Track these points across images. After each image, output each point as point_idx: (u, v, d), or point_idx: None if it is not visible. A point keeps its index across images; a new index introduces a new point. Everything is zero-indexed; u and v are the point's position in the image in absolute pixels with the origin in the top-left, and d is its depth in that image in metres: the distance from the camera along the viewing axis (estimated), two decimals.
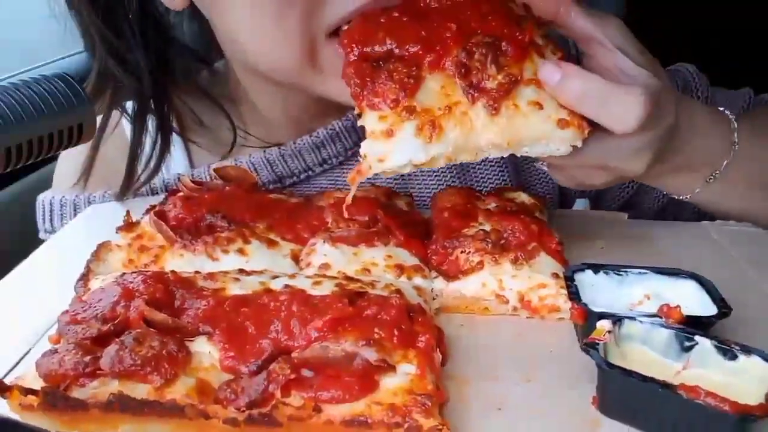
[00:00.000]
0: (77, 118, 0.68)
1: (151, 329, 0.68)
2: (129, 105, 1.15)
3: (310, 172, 1.16)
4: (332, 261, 0.86)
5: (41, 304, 0.82)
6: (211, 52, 1.19)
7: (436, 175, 1.17)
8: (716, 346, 0.68)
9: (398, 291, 0.76)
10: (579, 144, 0.80)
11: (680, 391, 0.62)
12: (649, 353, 0.70)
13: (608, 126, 0.79)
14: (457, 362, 0.75)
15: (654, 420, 0.64)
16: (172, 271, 0.79)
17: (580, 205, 1.34)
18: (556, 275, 0.83)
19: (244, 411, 0.61)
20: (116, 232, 0.91)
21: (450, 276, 0.85)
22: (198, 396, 0.64)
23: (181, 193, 0.97)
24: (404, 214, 0.96)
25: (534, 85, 0.79)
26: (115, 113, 1.15)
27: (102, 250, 0.88)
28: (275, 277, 0.79)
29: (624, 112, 0.78)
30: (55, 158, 1.29)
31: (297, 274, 0.82)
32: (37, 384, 0.64)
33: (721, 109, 0.96)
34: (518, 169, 1.20)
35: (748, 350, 0.67)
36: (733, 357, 0.67)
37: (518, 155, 0.82)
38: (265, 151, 1.15)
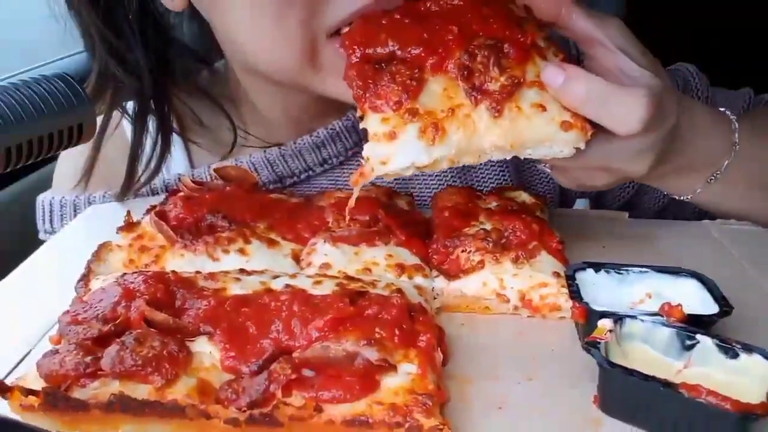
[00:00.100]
0: (77, 118, 0.68)
1: (152, 329, 0.68)
2: (129, 105, 1.15)
3: (310, 172, 1.16)
4: (333, 261, 0.86)
5: (42, 304, 0.83)
6: (211, 52, 1.19)
7: (436, 175, 1.18)
8: (717, 345, 0.68)
9: (399, 290, 0.76)
10: (582, 146, 0.80)
11: (681, 389, 0.62)
12: (650, 352, 0.70)
13: (611, 128, 0.79)
14: (458, 361, 0.75)
15: (655, 419, 0.64)
16: (173, 271, 0.79)
17: (581, 204, 1.35)
18: (557, 274, 0.83)
19: (245, 411, 0.61)
20: (117, 233, 0.91)
21: (451, 275, 0.85)
22: (199, 396, 0.64)
23: (181, 193, 0.97)
24: (405, 214, 0.96)
25: (537, 87, 0.79)
26: (116, 114, 1.15)
27: (102, 250, 0.88)
28: (276, 276, 0.79)
29: (627, 113, 0.78)
30: (55, 158, 1.29)
31: (298, 274, 0.82)
32: (38, 384, 0.63)
33: (722, 109, 0.96)
34: (519, 168, 1.20)
35: (749, 349, 0.67)
36: (735, 355, 0.67)
37: (521, 157, 0.81)
38: (265, 151, 1.15)
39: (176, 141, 1.19)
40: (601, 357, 0.66)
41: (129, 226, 0.91)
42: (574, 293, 0.78)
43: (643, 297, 0.79)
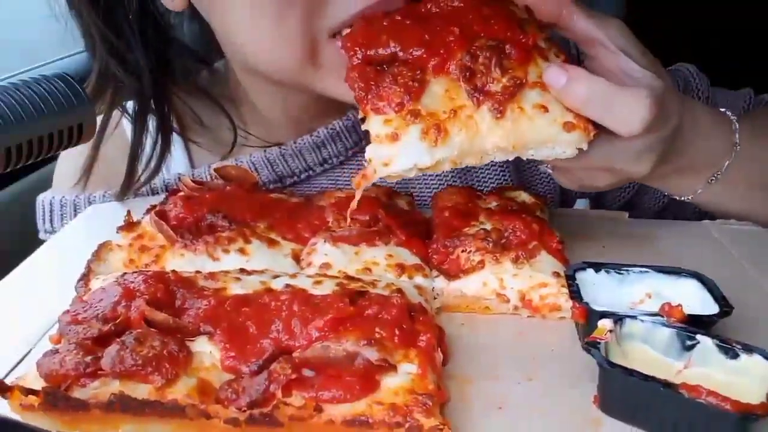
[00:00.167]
0: (77, 118, 0.68)
1: (152, 329, 0.68)
2: (129, 105, 1.15)
3: (310, 172, 1.16)
4: (333, 260, 0.86)
5: (42, 304, 0.82)
6: (211, 52, 1.19)
7: (436, 175, 1.17)
8: (718, 345, 0.68)
9: (399, 290, 0.76)
10: (585, 147, 0.80)
11: (682, 390, 0.62)
12: (650, 352, 0.70)
13: (614, 128, 0.79)
14: (458, 361, 0.75)
15: (655, 419, 0.64)
16: (173, 271, 0.79)
17: (581, 204, 1.35)
18: (557, 274, 0.83)
19: (245, 411, 0.61)
20: (117, 232, 0.90)
21: (451, 275, 0.85)
22: (199, 396, 0.64)
23: (181, 193, 0.96)
24: (405, 214, 0.96)
25: (539, 88, 0.79)
26: (116, 113, 1.15)
27: (103, 250, 0.88)
28: (276, 276, 0.79)
29: (629, 114, 0.78)
30: (55, 158, 1.29)
31: (298, 274, 0.82)
32: (38, 384, 0.63)
33: (723, 109, 0.96)
34: (519, 168, 1.20)
35: (749, 349, 0.67)
36: (735, 356, 0.67)
37: (524, 158, 0.81)
38: (265, 151, 1.15)
39: (176, 141, 1.19)
40: (601, 357, 0.66)
41: (129, 225, 0.91)
42: (574, 293, 0.78)
43: (643, 297, 0.79)
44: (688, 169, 0.92)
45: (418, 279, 0.85)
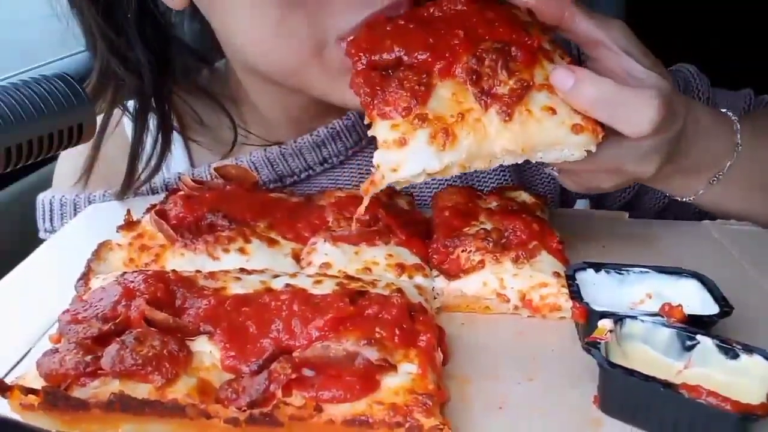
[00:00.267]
0: (77, 118, 0.68)
1: (152, 329, 0.68)
2: (130, 104, 1.15)
3: (310, 171, 1.16)
4: (333, 260, 0.86)
5: (42, 303, 0.82)
6: (212, 51, 1.19)
7: None
8: (718, 345, 0.68)
9: (399, 290, 0.76)
10: (593, 149, 0.79)
11: (682, 390, 0.62)
12: (650, 352, 0.70)
13: (622, 130, 0.79)
14: (458, 361, 0.75)
15: (655, 419, 0.64)
16: (173, 271, 0.79)
17: (581, 204, 1.35)
18: (557, 274, 0.83)
19: (245, 411, 0.61)
20: (117, 231, 0.90)
21: (451, 275, 0.85)
22: (199, 396, 0.64)
23: (181, 192, 0.96)
24: (405, 213, 0.96)
25: (546, 90, 0.78)
26: (116, 112, 1.15)
27: (102, 249, 0.88)
28: (276, 276, 0.79)
29: (638, 115, 0.77)
30: (55, 158, 1.29)
31: (298, 273, 0.81)
32: (38, 383, 0.63)
33: (724, 110, 0.96)
34: (519, 168, 1.19)
35: (749, 349, 0.67)
36: (735, 356, 0.67)
37: (533, 161, 0.81)
38: (265, 150, 1.15)
39: (177, 140, 1.19)
40: (601, 357, 0.66)
41: (129, 224, 0.91)
42: (575, 293, 0.78)
43: (643, 297, 0.79)
44: (690, 169, 0.92)
45: (418, 279, 0.85)
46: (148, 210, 0.94)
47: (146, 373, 0.64)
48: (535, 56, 0.80)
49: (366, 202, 0.81)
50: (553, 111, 0.78)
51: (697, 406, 0.61)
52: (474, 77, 0.78)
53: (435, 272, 0.87)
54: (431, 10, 0.83)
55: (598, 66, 0.83)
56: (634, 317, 0.72)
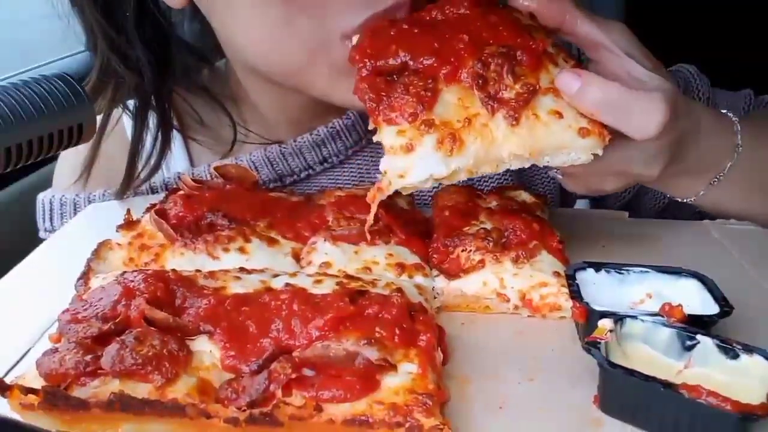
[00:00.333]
0: (77, 118, 0.68)
1: (152, 328, 0.68)
2: (130, 102, 1.15)
3: (310, 171, 1.16)
4: (333, 259, 0.86)
5: (41, 302, 0.82)
6: (212, 51, 1.19)
7: None
8: (718, 345, 0.68)
9: (399, 289, 0.76)
10: (600, 152, 0.79)
11: (682, 390, 0.62)
12: (650, 352, 0.70)
13: (628, 133, 0.78)
14: (459, 361, 0.75)
15: (655, 419, 0.64)
16: (173, 270, 0.79)
17: (581, 204, 1.34)
18: (557, 274, 0.83)
19: (245, 410, 0.61)
20: (117, 231, 0.90)
21: (451, 274, 0.85)
22: (199, 395, 0.64)
23: (181, 192, 0.96)
24: (405, 213, 0.96)
25: (552, 94, 0.78)
26: (116, 112, 1.15)
27: (102, 248, 0.88)
28: (276, 275, 0.79)
29: (645, 118, 0.77)
30: (55, 158, 1.29)
31: (298, 273, 0.81)
32: (38, 383, 0.63)
33: (724, 111, 0.96)
34: (519, 168, 1.19)
35: (749, 349, 0.67)
36: (735, 356, 0.67)
37: (540, 165, 0.81)
38: (265, 150, 1.15)
39: (176, 139, 1.19)
40: (601, 357, 0.66)
41: (129, 224, 0.91)
42: (575, 293, 0.77)
43: (643, 297, 0.79)
44: (691, 170, 0.92)
45: (418, 278, 0.85)
46: (148, 209, 0.94)
47: (146, 373, 0.64)
48: (540, 60, 0.79)
49: (374, 209, 0.80)
50: (560, 115, 0.78)
51: (697, 406, 0.61)
52: (480, 82, 0.77)
53: (435, 272, 0.87)
54: (434, 14, 0.83)
55: (600, 68, 0.83)
56: (634, 317, 0.72)
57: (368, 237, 0.87)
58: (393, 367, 0.66)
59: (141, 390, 0.63)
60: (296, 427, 0.61)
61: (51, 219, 1.20)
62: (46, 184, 1.28)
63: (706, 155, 0.92)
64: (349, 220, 0.92)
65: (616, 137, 0.79)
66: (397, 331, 0.69)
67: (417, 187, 0.78)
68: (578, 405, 0.69)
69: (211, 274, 0.78)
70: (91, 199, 1.17)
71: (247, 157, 1.14)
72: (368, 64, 0.80)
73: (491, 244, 0.85)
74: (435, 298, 0.84)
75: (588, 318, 0.74)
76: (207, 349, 0.69)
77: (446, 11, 0.83)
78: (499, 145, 0.77)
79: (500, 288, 0.84)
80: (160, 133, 1.14)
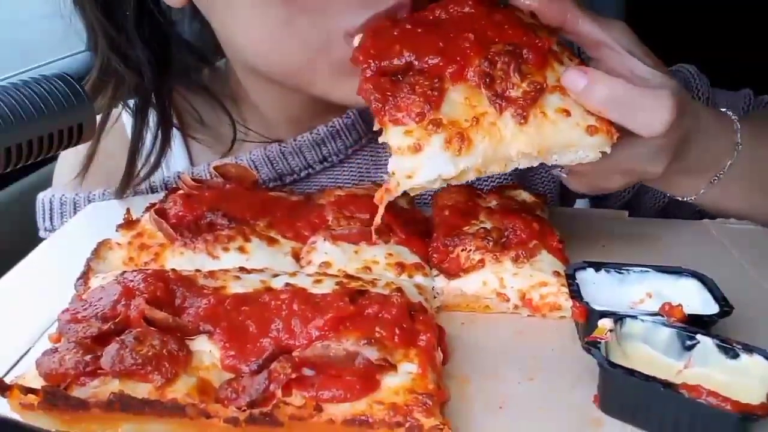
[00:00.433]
0: (77, 118, 0.68)
1: (152, 328, 0.68)
2: (131, 101, 1.15)
3: (310, 170, 1.16)
4: (333, 259, 0.85)
5: (41, 302, 0.82)
6: (213, 50, 1.19)
7: None
8: (718, 345, 0.68)
9: (399, 289, 0.76)
10: (608, 150, 0.79)
11: (682, 390, 0.62)
12: (650, 352, 0.70)
13: (636, 130, 0.78)
14: (458, 361, 0.75)
15: (655, 419, 0.64)
16: (173, 270, 0.79)
17: (581, 204, 1.34)
18: (557, 273, 0.83)
19: (245, 410, 0.61)
20: (116, 230, 0.90)
21: (451, 274, 0.85)
22: (199, 395, 0.64)
23: (181, 191, 0.96)
24: (405, 212, 0.96)
25: (559, 92, 0.78)
26: (116, 110, 1.15)
27: (102, 248, 0.88)
28: (276, 275, 0.79)
29: (653, 116, 0.77)
30: (55, 158, 1.29)
31: (298, 273, 0.81)
32: (38, 383, 0.63)
33: (723, 110, 0.96)
34: None
35: (750, 349, 0.67)
36: (735, 356, 0.67)
37: (549, 164, 0.80)
38: (265, 149, 1.15)
39: (176, 139, 1.19)
40: (601, 357, 0.66)
41: (128, 223, 0.91)
42: (575, 293, 0.77)
43: (643, 297, 0.79)
44: (691, 169, 0.92)
45: (418, 278, 0.85)
46: (148, 209, 0.94)
47: (146, 373, 0.64)
48: (546, 58, 0.79)
49: (381, 210, 0.79)
50: (568, 113, 0.77)
51: (697, 405, 0.61)
52: (488, 80, 0.77)
53: (435, 271, 0.87)
54: (437, 13, 0.83)
55: (602, 66, 0.83)
56: (634, 317, 0.72)
57: (375, 237, 0.86)
58: (393, 367, 0.66)
59: (141, 390, 0.63)
60: (296, 427, 0.61)
61: (51, 218, 1.20)
62: (46, 184, 1.28)
63: (707, 154, 0.92)
64: (349, 219, 0.92)
65: (622, 135, 0.79)
66: (397, 331, 0.68)
67: (425, 188, 0.77)
68: (578, 405, 0.69)
69: (211, 274, 0.78)
70: (91, 199, 1.17)
71: (246, 156, 1.14)
72: (372, 64, 0.79)
73: (491, 243, 0.85)
74: (435, 297, 0.84)
75: (588, 318, 0.74)
76: (207, 349, 0.68)
77: (450, 10, 0.82)
78: (508, 143, 0.76)
79: (500, 287, 0.84)
80: (160, 132, 1.14)
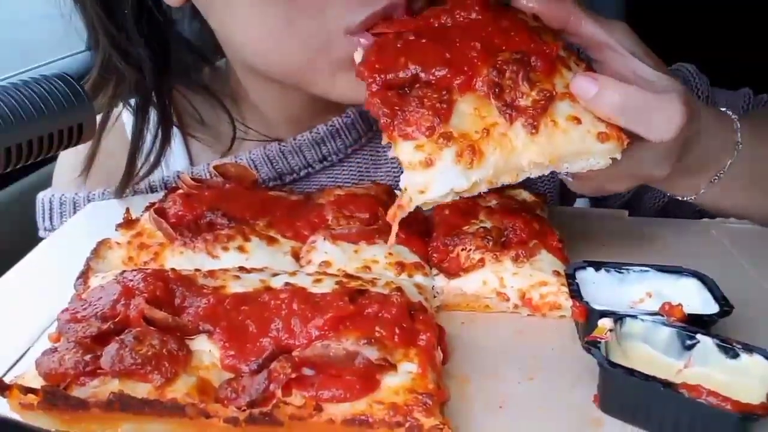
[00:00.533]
0: (77, 118, 0.68)
1: (152, 328, 0.68)
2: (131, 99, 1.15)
3: (310, 169, 1.16)
4: (333, 258, 0.85)
5: (41, 302, 0.82)
6: (213, 49, 1.19)
7: None
8: (718, 345, 0.68)
9: (399, 288, 0.76)
10: (619, 156, 0.77)
11: (682, 390, 0.62)
12: (650, 351, 0.70)
13: (647, 135, 0.77)
14: (458, 360, 0.75)
15: (655, 419, 0.64)
16: (172, 269, 0.79)
17: (581, 203, 1.34)
18: (557, 273, 0.83)
19: (244, 410, 0.61)
20: (116, 230, 0.90)
21: (451, 273, 0.85)
22: (198, 395, 0.64)
23: (180, 191, 0.96)
24: None
25: (569, 99, 0.76)
26: (116, 109, 1.15)
27: (102, 247, 0.88)
28: (276, 274, 0.79)
29: (666, 120, 0.76)
30: (55, 158, 1.29)
31: (297, 272, 0.81)
32: (37, 383, 0.63)
33: (723, 109, 0.96)
34: None
35: (749, 349, 0.67)
36: (735, 355, 0.67)
37: (560, 171, 0.79)
38: (265, 148, 1.15)
39: (176, 138, 1.19)
40: (601, 356, 0.66)
41: (128, 223, 0.91)
42: (575, 292, 0.77)
43: (643, 296, 0.79)
44: (692, 169, 0.92)
45: (418, 277, 0.84)
46: (147, 208, 0.94)
47: (146, 373, 0.64)
48: (554, 65, 0.78)
49: (395, 228, 0.77)
50: (578, 120, 0.76)
51: (697, 405, 0.61)
52: (496, 90, 0.75)
53: (435, 271, 0.87)
54: (443, 19, 0.81)
55: (605, 68, 0.83)
56: (634, 316, 0.72)
57: (390, 250, 0.85)
58: (393, 367, 0.66)
59: (140, 390, 0.63)
60: (296, 427, 0.61)
61: (51, 218, 1.20)
62: (46, 184, 1.28)
63: (707, 153, 0.92)
64: (349, 218, 0.92)
65: (632, 140, 0.79)
66: (397, 331, 0.68)
67: (438, 202, 0.75)
68: (578, 404, 0.69)
69: (211, 274, 0.78)
70: (91, 198, 1.17)
71: (246, 156, 1.14)
72: (378, 78, 0.78)
73: (491, 243, 0.85)
74: (435, 297, 0.84)
75: (588, 317, 0.74)
76: (206, 349, 0.68)
77: (456, 15, 0.81)
78: (519, 154, 0.75)
79: (500, 287, 0.84)
80: (160, 130, 1.14)
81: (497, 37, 0.79)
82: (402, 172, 0.75)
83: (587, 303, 0.75)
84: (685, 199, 0.97)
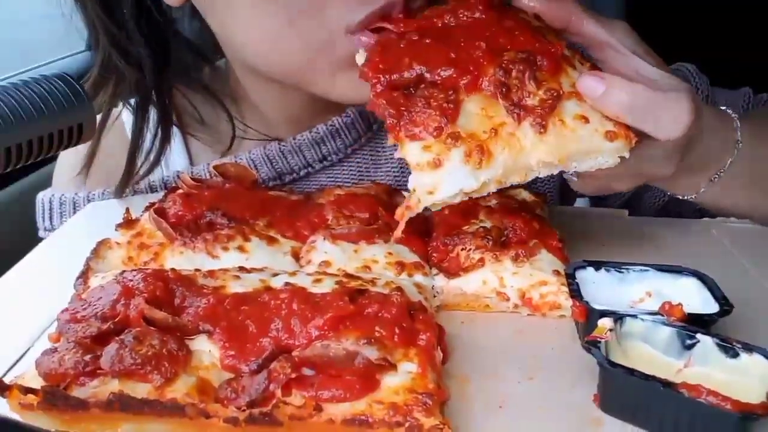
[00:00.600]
0: (77, 118, 0.68)
1: (151, 328, 0.68)
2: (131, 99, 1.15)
3: (309, 169, 1.16)
4: (333, 258, 0.85)
5: (41, 302, 0.82)
6: (213, 49, 1.19)
7: None
8: (718, 344, 0.68)
9: (399, 288, 0.76)
10: (627, 155, 0.77)
11: (682, 389, 0.62)
12: (650, 351, 0.70)
13: (654, 134, 0.77)
14: (458, 360, 0.75)
15: (655, 418, 0.64)
16: (172, 269, 0.79)
17: (581, 203, 1.34)
18: (557, 272, 0.83)
19: (244, 410, 0.61)
20: (116, 230, 0.90)
21: (451, 273, 0.85)
22: (198, 395, 0.63)
23: (180, 191, 0.96)
24: None
25: (575, 98, 0.76)
26: (115, 108, 1.15)
27: (102, 247, 0.88)
28: (275, 274, 0.79)
29: (673, 119, 0.76)
30: (55, 158, 1.29)
31: (297, 272, 0.81)
32: (37, 383, 0.63)
33: (723, 108, 0.96)
34: None
35: (749, 348, 0.67)
36: (735, 355, 0.67)
37: (568, 171, 0.79)
38: (265, 148, 1.15)
39: (176, 138, 1.19)
40: (601, 356, 0.66)
41: (128, 223, 0.91)
42: (574, 292, 0.77)
43: (643, 296, 0.79)
44: (693, 167, 0.92)
45: (418, 277, 0.84)
46: (147, 208, 0.94)
47: (145, 373, 0.64)
48: (559, 64, 0.77)
49: (402, 226, 0.77)
50: (586, 119, 0.75)
51: (697, 405, 0.61)
52: (503, 90, 0.75)
53: (434, 270, 0.87)
54: (446, 19, 0.81)
55: (607, 68, 0.83)
56: (634, 316, 0.72)
57: (397, 234, 0.82)
58: (393, 367, 0.66)
59: (140, 390, 0.63)
60: (296, 427, 0.61)
61: (50, 218, 1.20)
62: (46, 184, 1.28)
63: (708, 152, 0.91)
64: (349, 218, 0.92)
65: (640, 139, 0.78)
66: (397, 331, 0.68)
67: (447, 203, 0.75)
68: (578, 404, 0.69)
69: (211, 273, 0.78)
70: (91, 198, 1.17)
71: (246, 156, 1.14)
72: (382, 79, 0.77)
73: (491, 242, 0.85)
74: (434, 296, 0.84)
75: (588, 317, 0.74)
76: (206, 349, 0.68)
77: (459, 15, 0.81)
78: (528, 153, 0.74)
79: (500, 287, 0.84)
80: (159, 129, 1.14)
81: (502, 37, 0.78)
82: (404, 172, 0.75)
83: (587, 303, 0.75)
84: (685, 198, 0.97)
